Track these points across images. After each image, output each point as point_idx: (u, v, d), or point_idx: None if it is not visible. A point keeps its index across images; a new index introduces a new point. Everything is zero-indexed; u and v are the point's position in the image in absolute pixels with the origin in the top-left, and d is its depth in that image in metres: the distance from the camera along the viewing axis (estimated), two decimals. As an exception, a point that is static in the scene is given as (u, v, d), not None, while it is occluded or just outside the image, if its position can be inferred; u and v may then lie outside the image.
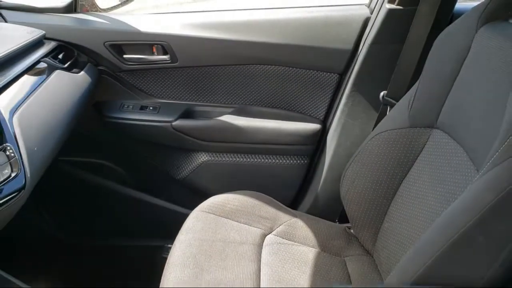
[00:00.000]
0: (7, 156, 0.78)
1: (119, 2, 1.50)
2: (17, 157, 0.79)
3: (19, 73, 0.98)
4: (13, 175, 0.77)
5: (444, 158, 0.97)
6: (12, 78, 0.93)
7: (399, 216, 1.06)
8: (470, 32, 0.95)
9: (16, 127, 0.84)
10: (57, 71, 1.15)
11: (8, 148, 0.79)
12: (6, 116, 0.86)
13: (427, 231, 0.81)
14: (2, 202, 0.75)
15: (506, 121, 0.73)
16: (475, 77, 0.92)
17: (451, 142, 0.96)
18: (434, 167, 1.00)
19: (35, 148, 0.85)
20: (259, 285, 1.02)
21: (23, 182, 0.78)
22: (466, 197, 0.76)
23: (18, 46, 1.04)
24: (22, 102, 0.92)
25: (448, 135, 0.98)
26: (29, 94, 0.97)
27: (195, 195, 1.39)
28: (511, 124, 0.71)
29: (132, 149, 1.51)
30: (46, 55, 1.16)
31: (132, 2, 1.45)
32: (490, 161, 0.73)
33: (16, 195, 0.77)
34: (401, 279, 0.80)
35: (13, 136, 0.82)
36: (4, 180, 0.75)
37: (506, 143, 0.71)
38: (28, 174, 0.80)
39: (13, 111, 0.88)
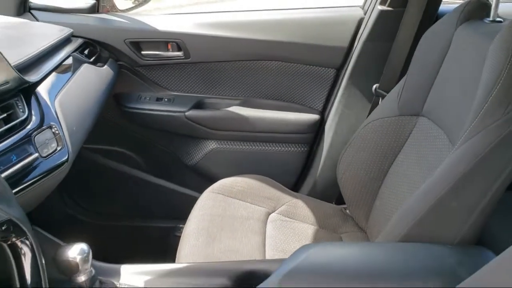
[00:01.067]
0: (53, 133, 0.92)
1: (133, 5, 1.64)
2: (61, 134, 0.93)
3: (55, 65, 1.11)
4: (58, 148, 0.91)
5: (428, 141, 1.09)
6: (51, 69, 1.07)
7: (388, 195, 1.18)
8: (450, 30, 1.07)
9: (57, 110, 0.98)
10: (85, 65, 1.28)
11: (53, 126, 0.93)
12: (48, 100, 0.99)
13: (409, 200, 0.94)
14: (50, 171, 0.88)
15: (475, 105, 0.86)
16: (454, 69, 1.04)
17: (434, 127, 1.08)
18: (419, 149, 1.12)
19: (74, 128, 0.99)
20: (264, 254, 1.15)
21: (67, 155, 0.92)
22: (442, 169, 0.88)
23: (52, 42, 1.16)
24: (60, 89, 1.06)
25: (432, 121, 1.09)
26: (64, 84, 1.10)
27: (205, 180, 1.49)
28: (478, 108, 0.84)
29: (148, 137, 1.61)
30: (74, 51, 1.30)
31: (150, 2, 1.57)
32: (462, 138, 0.86)
33: (61, 166, 0.90)
34: (386, 240, 0.93)
35: (56, 117, 0.96)
36: (52, 153, 0.89)
37: (474, 122, 0.84)
38: (70, 149, 0.93)
39: (53, 97, 1.02)
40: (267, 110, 1.55)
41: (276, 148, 1.57)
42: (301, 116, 1.54)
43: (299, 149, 1.58)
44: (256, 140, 1.57)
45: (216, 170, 1.57)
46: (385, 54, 1.41)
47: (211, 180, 1.38)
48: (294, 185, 1.60)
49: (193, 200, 1.30)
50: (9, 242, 0.57)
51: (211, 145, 1.58)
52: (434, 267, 0.80)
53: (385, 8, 1.39)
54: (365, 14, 1.45)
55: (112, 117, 1.55)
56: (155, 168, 1.66)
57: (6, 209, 0.55)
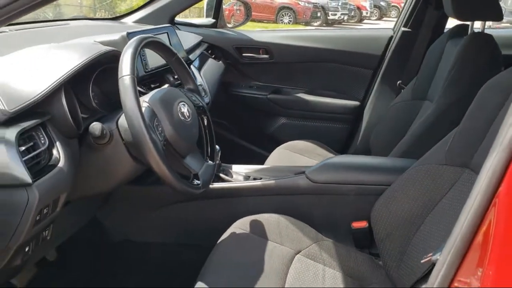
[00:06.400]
0: (202, 88, 1.66)
1: (234, 24, 2.41)
2: (205, 88, 1.67)
3: (197, 56, 1.87)
4: (204, 96, 1.65)
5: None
6: (196, 57, 1.83)
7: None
8: (443, 45, 1.69)
9: (202, 77, 1.73)
10: (210, 59, 2.04)
11: (202, 84, 1.67)
12: (196, 72, 1.75)
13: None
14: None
15: (441, 85, 1.49)
16: (444, 68, 1.65)
17: (431, 105, 1.70)
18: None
19: (209, 88, 1.73)
20: None
21: (209, 100, 1.66)
22: (425, 118, 1.52)
23: (194, 42, 1.94)
24: (201, 68, 1.82)
25: (430, 102, 1.72)
26: (202, 66, 1.87)
27: (277, 144, 2.07)
28: (444, 81, 1.47)
29: (241, 112, 2.32)
30: (203, 50, 2.06)
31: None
32: (435, 99, 1.50)
33: (207, 105, 1.64)
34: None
35: (202, 80, 1.71)
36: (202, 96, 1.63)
37: (441, 89, 1.48)
38: (210, 97, 1.67)
39: (198, 71, 1.77)
40: (324, 97, 2.20)
41: (329, 124, 2.22)
42: (347, 103, 2.19)
43: (345, 125, 2.22)
44: (314, 118, 2.22)
45: (285, 138, 2.15)
46: (406, 60, 2.04)
47: (280, 144, 2.00)
48: (341, 152, 2.18)
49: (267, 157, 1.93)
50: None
51: (283, 120, 2.26)
52: (400, 167, 1.40)
53: (406, 29, 2.04)
54: (393, 33, 2.11)
55: (221, 98, 2.22)
56: (244, 134, 2.36)
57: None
